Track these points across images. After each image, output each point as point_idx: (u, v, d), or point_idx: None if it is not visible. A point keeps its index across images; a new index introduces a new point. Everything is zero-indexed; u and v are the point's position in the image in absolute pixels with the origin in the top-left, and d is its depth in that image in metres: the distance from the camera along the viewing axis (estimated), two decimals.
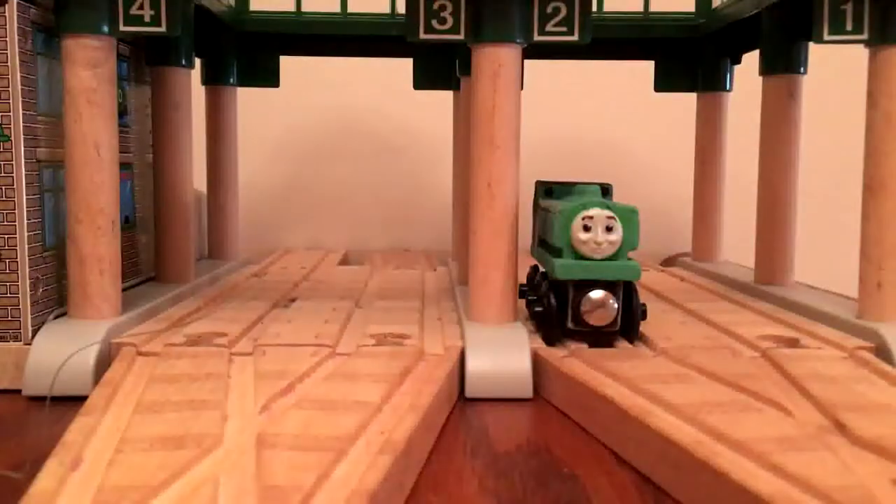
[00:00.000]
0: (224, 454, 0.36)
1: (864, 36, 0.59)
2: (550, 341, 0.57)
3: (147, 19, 0.58)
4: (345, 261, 1.06)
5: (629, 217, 0.55)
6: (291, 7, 0.86)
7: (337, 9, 0.86)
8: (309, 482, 0.33)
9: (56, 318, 0.57)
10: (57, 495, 0.32)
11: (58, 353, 0.52)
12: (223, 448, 0.37)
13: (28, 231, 0.55)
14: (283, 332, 0.58)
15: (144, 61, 0.75)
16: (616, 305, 0.55)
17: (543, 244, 0.63)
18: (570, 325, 0.56)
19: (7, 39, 0.53)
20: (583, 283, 0.55)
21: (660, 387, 0.46)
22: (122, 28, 0.58)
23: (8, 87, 0.54)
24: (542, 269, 0.63)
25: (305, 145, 1.22)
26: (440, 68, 0.90)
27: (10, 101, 0.54)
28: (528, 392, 0.53)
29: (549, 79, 1.04)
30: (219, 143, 0.90)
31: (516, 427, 0.48)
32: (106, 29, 0.57)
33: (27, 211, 0.55)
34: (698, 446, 0.38)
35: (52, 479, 0.33)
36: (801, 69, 0.74)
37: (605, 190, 0.64)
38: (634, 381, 0.47)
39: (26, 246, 0.54)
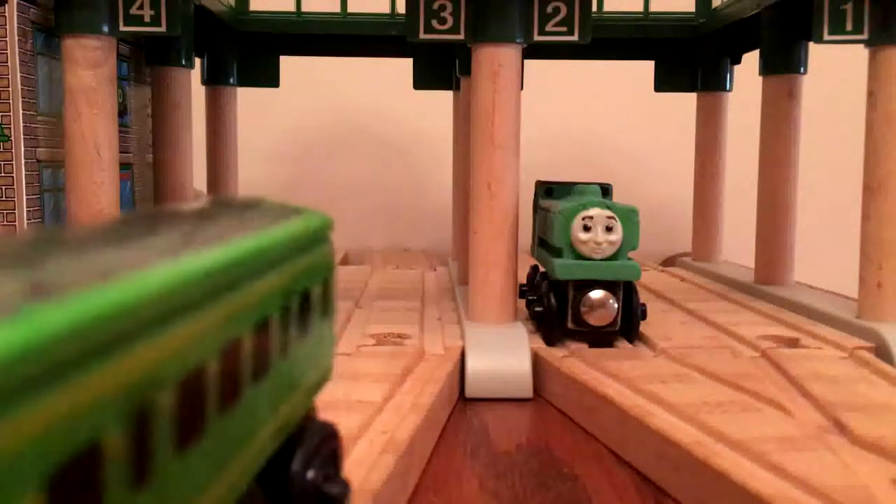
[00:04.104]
0: None
1: (864, 36, 0.59)
2: (550, 341, 0.57)
3: (147, 19, 0.58)
4: (345, 261, 1.06)
5: (629, 217, 0.55)
6: (291, 7, 0.86)
7: (337, 9, 0.86)
8: None
9: None
10: None
11: None
12: None
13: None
14: None
15: (144, 61, 0.75)
16: (616, 305, 0.55)
17: (543, 244, 0.63)
18: (570, 325, 0.56)
19: (7, 39, 0.53)
20: (583, 283, 0.55)
21: (660, 387, 0.46)
22: (122, 28, 0.58)
23: (8, 87, 0.54)
24: (542, 269, 0.63)
25: (305, 145, 1.22)
26: (440, 68, 0.90)
27: (10, 101, 0.54)
28: (528, 392, 0.53)
29: (549, 79, 1.04)
30: (219, 143, 0.90)
31: (516, 427, 0.48)
32: (106, 29, 0.57)
33: (27, 211, 0.55)
34: (698, 446, 0.38)
35: None
36: (801, 69, 0.74)
37: (605, 190, 0.64)
38: (634, 381, 0.47)
39: None
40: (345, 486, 0.26)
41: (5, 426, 0.11)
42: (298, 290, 0.24)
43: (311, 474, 0.25)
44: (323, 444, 0.26)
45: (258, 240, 0.21)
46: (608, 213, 0.55)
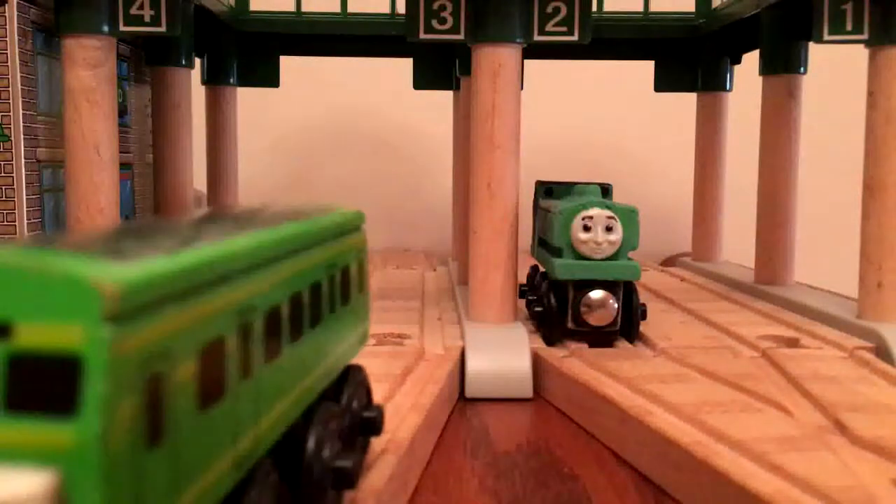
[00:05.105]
0: None
1: (864, 36, 0.59)
2: (550, 341, 0.57)
3: (147, 19, 0.58)
4: None
5: (629, 217, 0.55)
6: (291, 7, 0.86)
7: (337, 9, 0.86)
8: None
9: None
10: None
11: None
12: None
13: (28, 231, 0.55)
14: None
15: (144, 61, 0.75)
16: (616, 305, 0.55)
17: (543, 244, 0.63)
18: (570, 325, 0.56)
19: (7, 39, 0.53)
20: (583, 283, 0.55)
21: (660, 387, 0.46)
22: (122, 28, 0.58)
23: (8, 87, 0.54)
24: (542, 269, 0.63)
25: (305, 145, 1.22)
26: (440, 68, 0.90)
27: (10, 101, 0.54)
28: (528, 392, 0.53)
29: (549, 79, 1.04)
30: (219, 143, 0.90)
31: (516, 427, 0.48)
32: (106, 29, 0.57)
33: (27, 211, 0.55)
34: (698, 446, 0.38)
35: None
36: (801, 69, 0.74)
37: (605, 190, 0.64)
38: (634, 381, 0.47)
39: None
40: (379, 410, 0.34)
41: (180, 314, 0.18)
42: (339, 265, 0.31)
43: (355, 404, 0.33)
44: (361, 383, 0.34)
45: (308, 224, 0.28)
46: (608, 213, 0.55)
